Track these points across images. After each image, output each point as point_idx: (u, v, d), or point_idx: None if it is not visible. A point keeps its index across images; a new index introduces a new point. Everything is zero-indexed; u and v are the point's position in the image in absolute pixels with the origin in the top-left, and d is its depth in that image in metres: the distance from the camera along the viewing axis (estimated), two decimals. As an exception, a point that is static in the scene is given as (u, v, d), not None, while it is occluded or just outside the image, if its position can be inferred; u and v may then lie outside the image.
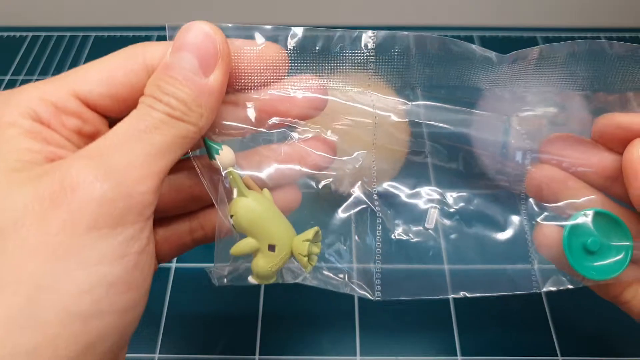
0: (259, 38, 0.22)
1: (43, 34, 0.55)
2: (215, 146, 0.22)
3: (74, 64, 0.52)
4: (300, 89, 0.23)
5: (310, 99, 0.23)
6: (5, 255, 0.17)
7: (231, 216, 0.22)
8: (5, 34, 0.55)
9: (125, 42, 0.54)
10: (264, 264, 0.23)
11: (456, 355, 0.33)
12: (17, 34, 0.55)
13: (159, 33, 0.55)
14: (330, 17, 0.56)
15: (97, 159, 0.18)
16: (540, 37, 0.54)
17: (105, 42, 0.54)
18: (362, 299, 0.36)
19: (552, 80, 0.27)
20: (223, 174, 0.22)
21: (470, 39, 0.53)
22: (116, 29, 0.55)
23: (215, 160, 0.22)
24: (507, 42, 0.53)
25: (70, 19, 0.56)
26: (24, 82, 0.50)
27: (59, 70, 0.51)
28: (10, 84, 0.50)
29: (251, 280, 0.24)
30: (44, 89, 0.20)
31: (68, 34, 0.55)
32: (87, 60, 0.52)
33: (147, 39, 0.54)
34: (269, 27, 0.23)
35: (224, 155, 0.22)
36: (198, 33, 0.20)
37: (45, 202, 0.17)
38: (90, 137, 0.21)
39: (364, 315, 0.35)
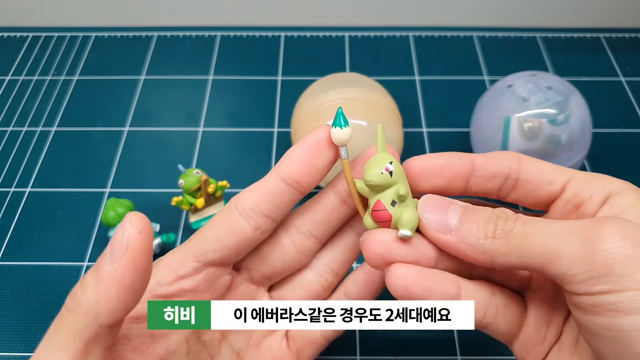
0: None
1: (43, 34, 0.55)
2: (344, 121, 0.22)
3: (75, 64, 0.52)
4: None
5: None
6: None
7: (390, 163, 0.22)
8: (5, 34, 0.55)
9: (125, 43, 0.54)
10: (414, 214, 0.22)
11: (456, 355, 0.33)
12: (18, 34, 0.55)
13: (159, 34, 0.55)
14: (328, 18, 0.56)
15: None
16: (540, 37, 0.54)
17: (106, 43, 0.54)
18: (362, 299, 0.36)
19: None
20: (341, 147, 0.22)
21: (470, 40, 0.53)
22: (117, 30, 0.55)
23: (335, 128, 0.22)
24: (507, 43, 0.53)
25: (70, 20, 0.56)
26: (24, 82, 0.50)
27: (59, 70, 0.51)
28: (11, 85, 0.50)
29: (406, 233, 0.22)
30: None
31: (68, 34, 0.55)
32: (88, 60, 0.53)
33: (148, 39, 0.54)
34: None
35: (346, 131, 0.22)
36: (128, 228, 0.20)
37: None
38: None
39: (364, 315, 0.35)
